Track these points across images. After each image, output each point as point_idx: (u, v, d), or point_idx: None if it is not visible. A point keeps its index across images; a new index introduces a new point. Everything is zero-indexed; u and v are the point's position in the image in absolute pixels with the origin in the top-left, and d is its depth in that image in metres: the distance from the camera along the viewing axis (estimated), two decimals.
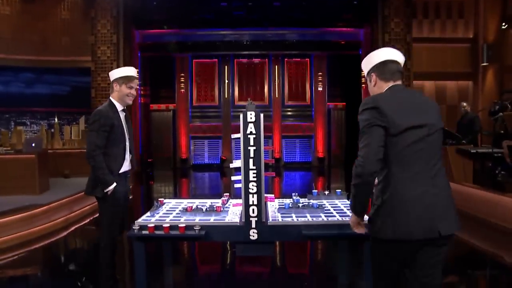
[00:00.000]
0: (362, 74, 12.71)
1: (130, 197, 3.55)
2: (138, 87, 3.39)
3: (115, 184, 3.13)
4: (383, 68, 2.19)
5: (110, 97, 3.31)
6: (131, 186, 3.64)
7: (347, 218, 2.84)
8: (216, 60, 14.42)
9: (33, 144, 7.43)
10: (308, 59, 14.46)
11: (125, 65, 10.29)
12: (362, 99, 12.72)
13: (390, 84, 2.18)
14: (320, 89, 14.36)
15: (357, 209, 2.15)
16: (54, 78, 11.74)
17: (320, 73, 14.34)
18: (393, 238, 2.00)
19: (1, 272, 4.48)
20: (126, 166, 3.33)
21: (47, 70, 11.55)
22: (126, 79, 3.25)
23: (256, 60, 14.49)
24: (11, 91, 11.44)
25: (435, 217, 2.00)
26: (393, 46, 9.75)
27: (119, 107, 3.29)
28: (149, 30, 12.88)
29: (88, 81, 10.51)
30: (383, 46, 10.03)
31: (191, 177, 13.10)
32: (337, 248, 3.98)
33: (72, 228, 6.32)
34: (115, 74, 3.30)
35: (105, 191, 3.11)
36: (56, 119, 11.48)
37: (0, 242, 5.16)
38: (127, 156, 3.32)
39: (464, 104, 8.77)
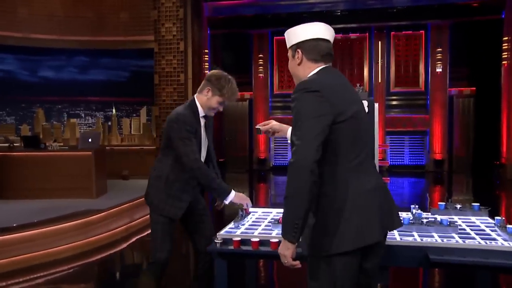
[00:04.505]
0: (504, 47, 11.98)
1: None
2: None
3: (234, 193, 3.32)
4: (314, 47, 2.34)
5: (195, 97, 3.39)
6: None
7: (493, 243, 2.70)
8: None
9: (90, 140, 7.97)
10: (423, 31, 13.97)
11: (193, 45, 10.66)
12: (502, 81, 12.19)
13: (321, 65, 2.35)
14: (439, 70, 13.78)
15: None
16: (111, 61, 12.54)
17: (439, 49, 13.75)
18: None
19: None
20: None
21: (103, 52, 12.35)
22: (226, 95, 3.29)
23: (354, 35, 14.28)
24: (63, 78, 12.42)
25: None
26: None
27: (201, 112, 3.38)
28: (220, 1, 13.23)
29: (151, 64, 11.05)
30: None
31: (271, 181, 13.28)
32: (473, 281, 3.78)
33: (133, 239, 6.69)
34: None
35: (227, 202, 3.32)
36: (113, 110, 12.22)
37: (52, 253, 5.58)
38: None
39: None
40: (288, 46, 2.44)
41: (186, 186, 3.38)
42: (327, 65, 2.37)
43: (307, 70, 2.37)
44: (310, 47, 2.34)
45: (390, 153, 14.23)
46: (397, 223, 2.39)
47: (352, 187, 2.22)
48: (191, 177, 3.31)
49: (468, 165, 13.64)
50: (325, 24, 2.40)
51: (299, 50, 2.36)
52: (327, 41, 2.38)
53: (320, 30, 2.36)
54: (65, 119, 12.46)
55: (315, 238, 2.23)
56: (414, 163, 14.24)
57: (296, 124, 2.17)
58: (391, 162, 14.15)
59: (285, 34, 2.46)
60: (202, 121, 3.40)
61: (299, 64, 2.38)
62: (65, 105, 12.76)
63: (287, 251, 2.16)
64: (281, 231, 2.19)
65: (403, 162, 14.26)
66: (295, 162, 2.10)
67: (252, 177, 13.95)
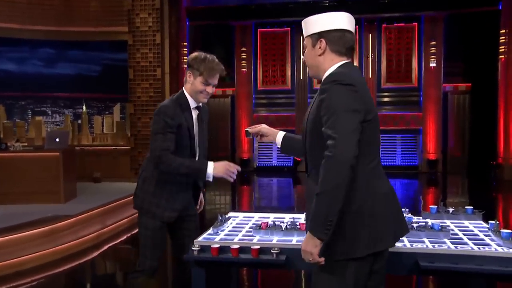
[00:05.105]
0: (501, 40, 12.14)
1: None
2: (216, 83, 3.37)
3: (212, 165, 3.17)
4: (339, 38, 2.35)
5: (183, 88, 3.40)
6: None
7: (486, 248, 2.74)
8: (289, 29, 14.53)
9: (57, 139, 7.89)
10: (416, 23, 14.13)
11: (171, 37, 10.62)
12: (499, 76, 12.36)
13: (344, 60, 2.37)
14: (432, 64, 13.94)
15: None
16: (80, 54, 12.43)
17: (433, 42, 13.91)
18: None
19: None
20: (191, 180, 3.44)
21: (72, 44, 12.24)
22: (205, 72, 3.27)
23: None
24: (27, 71, 12.26)
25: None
26: None
27: (192, 103, 3.36)
28: None
29: (125, 58, 10.98)
30: None
31: (254, 183, 13.31)
32: None
33: (105, 247, 6.64)
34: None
35: (210, 179, 3.18)
36: (84, 107, 12.12)
37: (15, 264, 5.47)
38: None
39: None
40: (306, 34, 2.43)
41: (181, 185, 3.34)
42: (349, 61, 2.40)
43: (330, 62, 2.37)
44: (335, 38, 2.35)
45: (381, 153, 14.30)
46: (405, 229, 2.46)
47: (369, 191, 2.28)
48: (183, 174, 3.27)
49: (463, 166, 13.80)
50: (350, 15, 2.41)
51: (322, 40, 2.36)
52: (351, 33, 2.39)
53: (346, 21, 2.37)
54: (30, 116, 12.30)
55: (328, 241, 2.24)
56: (406, 163, 14.38)
57: (329, 117, 2.17)
58: (382, 163, 13.85)
59: (304, 21, 2.44)
60: (195, 113, 3.39)
61: (320, 55, 2.38)
62: (29, 101, 12.61)
63: (315, 249, 2.19)
64: (310, 227, 2.20)
65: (394, 163, 14.37)
66: (334, 156, 2.11)
67: (235, 178, 13.91)
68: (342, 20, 2.36)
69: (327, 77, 2.31)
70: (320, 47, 2.37)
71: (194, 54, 3.35)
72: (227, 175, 3.16)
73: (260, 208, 9.90)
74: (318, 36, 2.37)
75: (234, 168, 3.18)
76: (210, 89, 3.31)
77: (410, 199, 10.75)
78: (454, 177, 13.48)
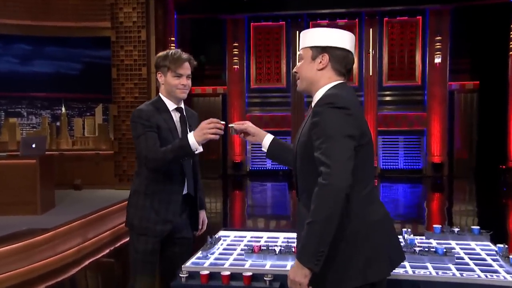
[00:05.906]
0: None
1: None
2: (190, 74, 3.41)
3: (192, 134, 3.11)
4: (343, 58, 2.42)
5: (159, 92, 3.47)
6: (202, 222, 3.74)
7: (494, 276, 2.75)
8: (284, 23, 14.53)
9: (34, 145, 7.81)
10: (420, 17, 14.18)
11: (157, 33, 10.56)
12: (509, 74, 12.33)
13: (341, 80, 2.44)
14: (438, 61, 13.99)
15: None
16: (59, 51, 12.37)
17: (438, 37, 13.97)
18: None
19: None
20: (182, 188, 3.44)
21: (50, 40, 12.17)
22: (172, 65, 3.33)
23: (341, 22, 14.35)
24: (0, 69, 12.16)
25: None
26: None
27: (171, 105, 3.41)
28: None
29: (108, 55, 10.93)
30: None
31: (247, 188, 13.33)
32: None
33: (87, 262, 6.61)
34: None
35: (199, 149, 3.14)
36: (63, 108, 12.07)
37: None
38: (186, 174, 3.41)
39: None
40: (307, 45, 2.46)
41: (172, 196, 3.35)
42: (345, 81, 2.46)
43: (326, 80, 2.42)
44: (339, 57, 2.41)
45: (382, 156, 14.37)
46: (402, 256, 2.50)
47: (363, 218, 2.30)
48: (172, 161, 3.26)
49: (470, 169, 13.87)
50: (354, 36, 2.51)
51: (326, 55, 2.41)
52: (353, 55, 2.48)
53: (350, 42, 2.44)
54: (3, 118, 12.22)
55: (320, 271, 2.25)
56: (409, 167, 14.42)
57: (323, 142, 2.20)
58: (383, 166, 14.29)
59: (306, 32, 2.48)
60: (176, 115, 3.41)
61: (320, 70, 2.42)
62: (2, 101, 12.51)
63: (304, 279, 2.20)
64: (299, 256, 2.21)
65: (397, 166, 14.41)
66: (329, 185, 2.13)
67: (227, 183, 13.95)
68: (347, 41, 2.43)
69: (320, 99, 2.35)
70: (321, 62, 2.41)
71: (157, 55, 3.45)
72: (211, 134, 3.05)
73: (253, 216, 9.93)
74: (321, 50, 2.41)
75: (213, 123, 3.05)
76: (184, 81, 3.35)
77: (414, 206, 10.77)
78: (461, 181, 13.52)
